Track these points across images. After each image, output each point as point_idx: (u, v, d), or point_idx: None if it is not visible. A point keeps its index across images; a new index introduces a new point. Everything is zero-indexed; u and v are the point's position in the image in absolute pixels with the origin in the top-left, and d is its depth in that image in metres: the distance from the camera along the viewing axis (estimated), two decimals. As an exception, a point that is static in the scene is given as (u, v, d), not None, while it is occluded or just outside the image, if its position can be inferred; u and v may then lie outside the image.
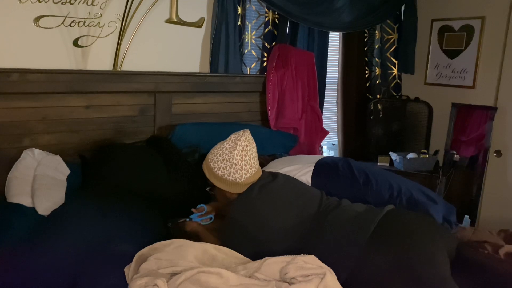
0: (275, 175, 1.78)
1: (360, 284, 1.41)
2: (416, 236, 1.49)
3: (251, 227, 1.58)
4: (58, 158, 2.13)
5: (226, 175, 1.68)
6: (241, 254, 1.52)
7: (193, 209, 1.88)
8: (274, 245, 1.56)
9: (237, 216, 1.62)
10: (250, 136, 1.70)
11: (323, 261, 1.38)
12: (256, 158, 1.74)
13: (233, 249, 1.53)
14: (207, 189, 1.80)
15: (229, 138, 1.70)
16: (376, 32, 3.67)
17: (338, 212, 1.62)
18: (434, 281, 1.37)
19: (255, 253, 1.50)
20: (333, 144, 3.77)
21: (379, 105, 3.70)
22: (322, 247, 1.51)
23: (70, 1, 2.22)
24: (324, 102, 3.49)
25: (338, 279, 1.37)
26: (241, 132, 1.69)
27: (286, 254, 1.41)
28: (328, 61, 3.46)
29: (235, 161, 1.65)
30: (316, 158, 2.39)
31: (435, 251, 1.45)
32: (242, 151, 1.66)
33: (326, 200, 1.72)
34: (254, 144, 1.72)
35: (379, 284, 1.39)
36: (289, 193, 1.70)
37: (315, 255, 1.40)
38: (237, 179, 1.67)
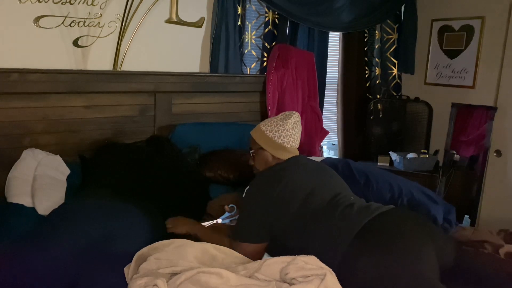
0: (308, 161, 1.86)
1: (345, 283, 1.38)
2: (402, 239, 1.46)
3: (269, 189, 1.64)
4: (58, 158, 2.14)
5: (276, 137, 1.80)
6: (251, 233, 1.60)
7: (225, 207, 1.93)
8: (285, 214, 1.59)
9: (259, 183, 1.70)
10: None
11: (317, 254, 1.38)
12: (299, 140, 1.86)
13: (249, 221, 1.61)
14: (251, 151, 1.88)
15: (281, 113, 1.88)
16: (376, 32, 3.67)
17: (345, 209, 1.60)
18: (423, 282, 1.35)
19: (269, 224, 1.59)
20: (333, 144, 3.77)
21: (379, 105, 3.70)
22: (318, 238, 1.52)
23: (70, 1, 2.22)
24: (324, 102, 3.49)
25: None
26: (293, 111, 1.87)
27: (291, 232, 1.52)
28: (328, 61, 3.46)
29: (288, 127, 1.80)
30: (316, 160, 2.39)
31: (421, 254, 1.42)
32: (294, 123, 1.82)
33: (343, 196, 1.69)
34: (300, 127, 1.88)
35: (364, 285, 1.37)
36: (311, 175, 1.74)
37: (311, 245, 1.46)
38: (285, 143, 1.80)
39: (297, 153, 1.86)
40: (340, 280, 1.33)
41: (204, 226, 1.82)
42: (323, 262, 1.36)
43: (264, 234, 1.61)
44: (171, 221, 1.80)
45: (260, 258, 1.57)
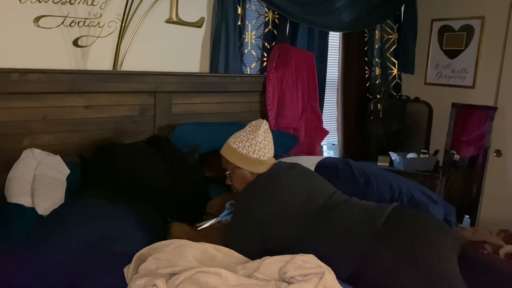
0: (292, 166, 1.81)
1: (368, 277, 1.42)
2: (424, 231, 1.51)
3: (257, 205, 1.61)
4: (58, 158, 2.14)
5: (250, 153, 1.73)
6: (247, 244, 1.57)
7: (226, 204, 1.91)
8: (280, 226, 1.57)
9: (245, 199, 1.66)
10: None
11: (330, 253, 1.42)
12: (273, 148, 1.81)
13: (239, 240, 1.58)
14: (227, 173, 1.82)
15: (247, 125, 1.79)
16: (376, 32, 3.67)
17: (347, 206, 1.63)
18: (444, 273, 1.39)
19: (261, 240, 1.56)
20: (333, 144, 3.77)
21: (379, 105, 3.70)
22: (329, 238, 1.53)
23: (70, 1, 2.22)
24: (324, 102, 3.49)
25: (345, 271, 1.41)
26: (259, 120, 1.80)
27: (293, 241, 1.51)
28: (328, 61, 3.46)
29: (259, 139, 1.74)
30: (316, 159, 2.39)
31: (443, 247, 1.47)
32: (264, 133, 1.75)
33: (337, 195, 1.73)
34: (271, 134, 1.82)
35: (387, 277, 1.40)
36: (301, 180, 1.72)
37: (321, 246, 1.46)
38: (261, 157, 1.74)
39: (274, 161, 1.81)
40: (361, 271, 1.38)
41: (199, 231, 1.81)
42: (343, 259, 1.40)
43: (256, 248, 1.59)
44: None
45: None
